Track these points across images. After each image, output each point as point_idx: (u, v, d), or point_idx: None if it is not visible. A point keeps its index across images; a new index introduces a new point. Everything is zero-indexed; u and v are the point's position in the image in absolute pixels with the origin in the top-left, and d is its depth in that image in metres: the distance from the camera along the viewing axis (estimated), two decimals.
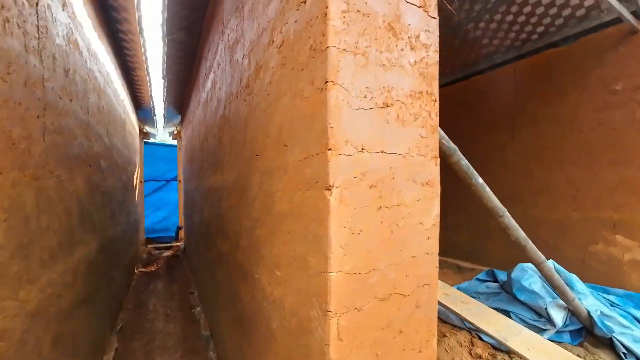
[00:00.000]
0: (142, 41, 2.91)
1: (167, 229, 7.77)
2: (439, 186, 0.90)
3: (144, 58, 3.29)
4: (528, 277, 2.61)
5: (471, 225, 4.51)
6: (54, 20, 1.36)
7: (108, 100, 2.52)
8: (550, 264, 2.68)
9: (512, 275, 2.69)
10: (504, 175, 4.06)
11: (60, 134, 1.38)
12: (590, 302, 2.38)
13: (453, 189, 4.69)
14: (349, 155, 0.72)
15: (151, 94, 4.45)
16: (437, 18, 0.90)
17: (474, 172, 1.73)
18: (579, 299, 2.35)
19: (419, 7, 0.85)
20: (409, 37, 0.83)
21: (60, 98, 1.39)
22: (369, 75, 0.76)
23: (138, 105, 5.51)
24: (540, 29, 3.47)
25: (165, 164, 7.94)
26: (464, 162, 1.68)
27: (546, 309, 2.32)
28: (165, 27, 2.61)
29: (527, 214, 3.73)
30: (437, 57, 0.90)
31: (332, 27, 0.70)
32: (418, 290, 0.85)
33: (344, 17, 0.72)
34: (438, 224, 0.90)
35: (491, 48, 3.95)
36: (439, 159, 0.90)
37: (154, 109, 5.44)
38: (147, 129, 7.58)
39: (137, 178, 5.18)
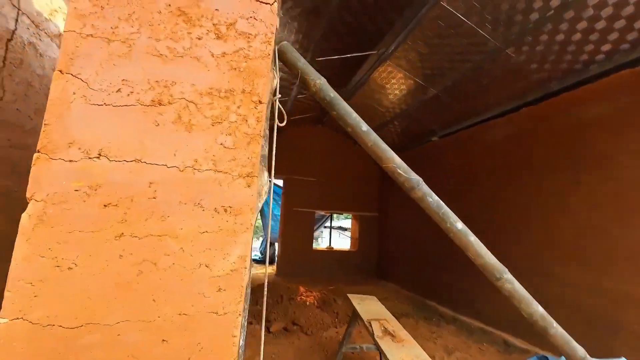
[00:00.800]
0: None
1: None
2: (252, 217, 0.64)
3: None
4: None
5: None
6: (38, 54, 1.62)
7: None
8: None
9: None
10: (569, 230, 3.12)
11: (24, 149, 1.56)
12: None
13: (503, 240, 3.85)
14: (70, 161, 0.55)
15: None
16: (274, 4, 0.71)
17: (449, 212, 1.32)
18: None
19: None
20: (214, 24, 0.66)
21: (32, 119, 1.60)
22: (132, 67, 0.60)
23: None
24: (605, 47, 2.81)
25: None
26: (432, 199, 1.30)
27: None
28: None
29: (602, 286, 2.71)
30: (267, 49, 0.69)
31: (73, 10, 0.59)
32: None
33: None
34: (244, 270, 0.62)
35: (542, 74, 3.34)
36: (256, 179, 0.66)
37: None
38: None
39: None
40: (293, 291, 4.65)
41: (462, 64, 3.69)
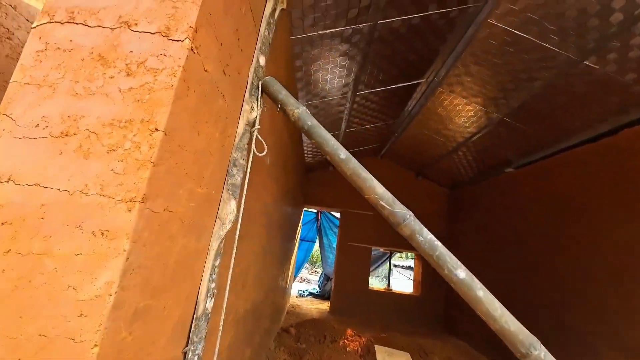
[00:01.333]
0: None
1: None
2: (126, 242, 0.63)
3: None
4: None
5: None
6: None
7: None
8: None
9: None
10: None
11: None
12: None
13: (608, 301, 2.96)
14: None
15: None
16: (186, 40, 0.76)
17: (446, 255, 1.07)
18: None
19: (153, 33, 0.76)
20: (126, 64, 0.74)
21: None
22: (53, 105, 0.71)
23: None
24: None
25: None
26: (424, 238, 1.09)
27: None
28: None
29: None
30: (171, 80, 0.73)
31: (20, 66, 0.73)
32: None
33: (38, 55, 0.74)
34: (108, 297, 0.61)
35: None
36: (140, 205, 0.66)
37: None
38: None
39: None
40: (338, 333, 4.34)
41: (528, 83, 3.20)
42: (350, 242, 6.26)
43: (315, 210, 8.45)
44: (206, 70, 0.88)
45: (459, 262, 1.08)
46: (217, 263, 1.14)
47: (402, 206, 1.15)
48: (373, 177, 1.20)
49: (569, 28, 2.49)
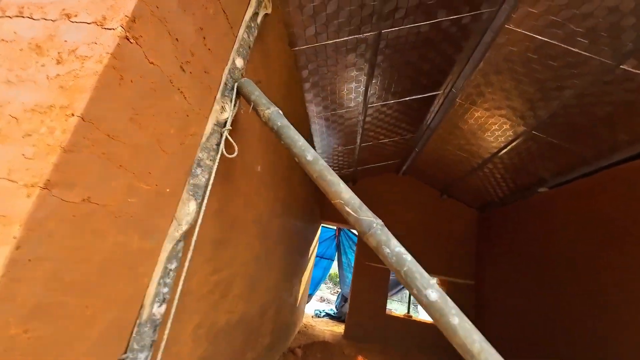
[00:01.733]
0: None
1: None
2: (18, 229, 0.60)
3: None
4: None
5: None
6: None
7: None
8: None
9: None
10: None
11: None
12: None
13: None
14: None
15: None
16: (118, 28, 0.75)
17: (415, 272, 0.93)
18: None
19: (89, 23, 0.76)
20: (58, 53, 0.74)
21: None
22: None
23: None
24: None
25: None
26: (391, 250, 0.96)
27: None
28: None
29: None
30: (97, 67, 0.71)
31: None
32: None
33: None
34: None
35: None
36: (41, 190, 0.62)
37: None
38: None
39: None
40: (348, 359, 4.05)
41: (558, 93, 2.92)
42: (367, 262, 5.97)
43: (335, 227, 8.27)
44: (152, 63, 0.87)
45: (431, 281, 0.92)
46: (172, 266, 1.08)
47: (369, 213, 1.02)
48: (341, 181, 1.09)
49: (599, 29, 2.24)
